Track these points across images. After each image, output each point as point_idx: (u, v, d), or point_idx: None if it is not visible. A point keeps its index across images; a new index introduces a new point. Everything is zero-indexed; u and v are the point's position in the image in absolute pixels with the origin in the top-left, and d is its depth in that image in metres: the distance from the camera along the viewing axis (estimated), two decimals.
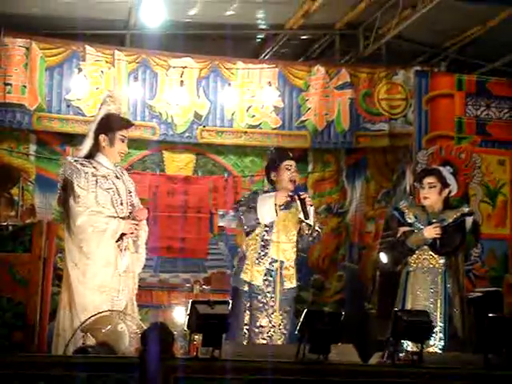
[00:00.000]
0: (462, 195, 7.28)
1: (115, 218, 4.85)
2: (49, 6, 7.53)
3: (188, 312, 3.75)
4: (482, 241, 6.70)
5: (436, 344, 5.46)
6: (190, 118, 7.98)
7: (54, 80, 7.68)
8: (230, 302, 4.07)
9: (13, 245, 5.10)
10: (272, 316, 5.46)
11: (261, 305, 5.46)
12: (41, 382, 3.50)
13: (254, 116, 8.09)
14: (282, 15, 8.01)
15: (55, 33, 7.79)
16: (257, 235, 5.54)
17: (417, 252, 5.64)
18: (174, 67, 7.94)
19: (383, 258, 7.40)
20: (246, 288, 5.49)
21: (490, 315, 4.21)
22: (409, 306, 5.49)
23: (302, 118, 8.17)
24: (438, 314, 5.52)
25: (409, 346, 4.85)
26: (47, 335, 5.03)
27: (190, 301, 3.79)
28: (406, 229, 5.68)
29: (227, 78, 8.06)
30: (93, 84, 7.72)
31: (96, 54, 7.75)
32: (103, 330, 4.36)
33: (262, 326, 5.45)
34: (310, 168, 8.43)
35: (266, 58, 8.72)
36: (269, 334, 5.45)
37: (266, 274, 5.50)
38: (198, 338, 3.84)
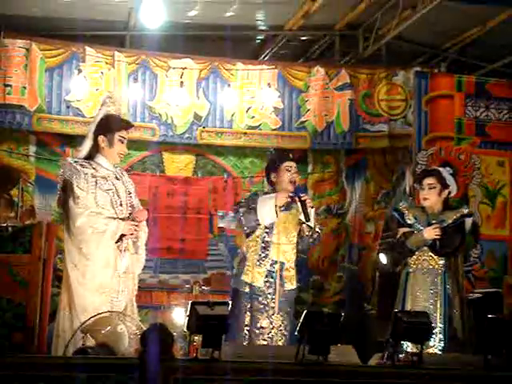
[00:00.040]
0: (462, 196, 7.28)
1: (115, 219, 4.86)
2: (49, 7, 7.54)
3: (188, 313, 3.75)
4: (481, 242, 6.71)
5: (436, 345, 5.46)
6: (190, 119, 7.98)
7: (53, 81, 7.68)
8: (230, 303, 4.07)
9: (12, 246, 5.11)
10: (272, 317, 5.47)
11: (261, 306, 5.47)
12: (40, 382, 3.50)
13: (253, 117, 8.09)
14: (281, 16, 8.01)
15: (55, 34, 7.79)
16: (257, 237, 5.54)
17: (416, 253, 5.64)
18: (173, 68, 7.94)
19: (383, 258, 7.42)
20: (246, 289, 5.50)
21: (490, 316, 4.21)
22: (408, 307, 5.49)
23: (302, 119, 8.17)
24: (438, 314, 5.52)
25: (408, 347, 4.86)
26: (47, 336, 5.03)
27: (190, 302, 3.79)
28: (406, 230, 5.68)
29: (227, 79, 8.06)
30: (93, 85, 7.72)
31: (96, 55, 7.74)
32: (103, 331, 4.36)
33: (262, 327, 5.45)
34: (309, 169, 8.42)
35: (266, 59, 8.72)
36: (269, 335, 5.45)
37: (266, 276, 5.51)
38: (197, 339, 3.84)
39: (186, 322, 3.76)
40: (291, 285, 5.59)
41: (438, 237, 5.55)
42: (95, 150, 4.98)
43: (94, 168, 4.92)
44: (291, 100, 8.16)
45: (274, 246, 5.52)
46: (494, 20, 7.57)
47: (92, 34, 7.93)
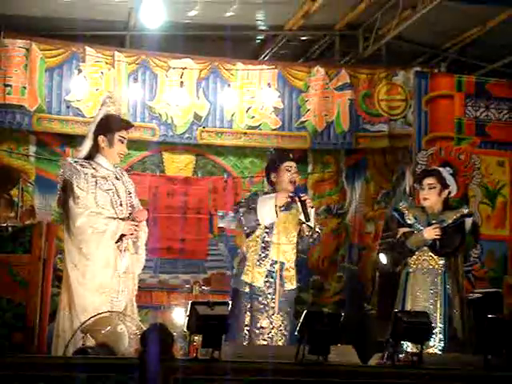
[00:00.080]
0: (462, 196, 7.28)
1: (115, 219, 4.85)
2: (49, 7, 7.54)
3: (188, 313, 3.75)
4: (481, 242, 6.71)
5: (436, 345, 5.46)
6: (190, 119, 7.98)
7: (53, 81, 7.68)
8: (230, 303, 4.07)
9: (12, 246, 5.11)
10: (273, 317, 5.47)
11: (261, 306, 5.47)
12: (41, 383, 3.50)
13: (253, 117, 8.09)
14: (281, 16, 8.01)
15: (55, 34, 7.79)
16: (257, 237, 5.54)
17: (416, 253, 5.64)
18: (173, 68, 7.94)
19: (383, 258, 7.42)
20: (246, 289, 5.49)
21: (490, 316, 4.21)
22: (408, 307, 5.49)
23: (302, 119, 8.17)
24: (438, 314, 5.52)
25: (408, 347, 4.86)
26: (47, 336, 5.03)
27: (190, 302, 3.79)
28: (406, 230, 5.68)
29: (227, 79, 8.06)
30: (93, 85, 7.72)
31: (96, 55, 7.74)
32: (103, 331, 4.36)
33: (262, 328, 5.45)
34: (309, 169, 8.42)
35: (266, 59, 8.72)
36: (269, 335, 5.45)
37: (267, 276, 5.50)
38: (197, 339, 3.84)
39: (186, 322, 3.76)
40: (291, 285, 5.59)
41: (438, 237, 5.55)
42: (95, 150, 4.98)
43: (94, 168, 4.92)
44: (291, 100, 8.16)
45: (274, 246, 5.52)
46: (494, 20, 7.57)
47: (92, 33, 7.93)
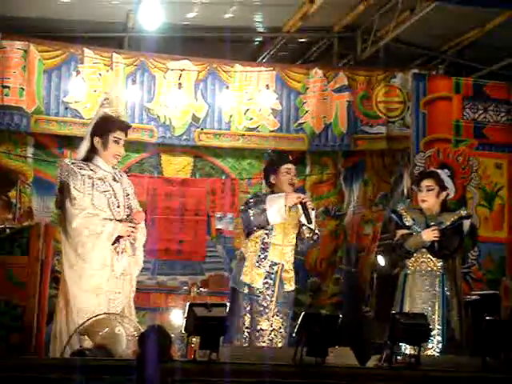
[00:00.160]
0: (460, 198, 7.29)
1: (111, 220, 4.85)
2: (47, 9, 7.54)
3: (185, 315, 3.75)
4: (479, 244, 6.70)
5: (434, 347, 5.46)
6: (188, 121, 7.98)
7: (51, 82, 7.68)
8: (228, 303, 4.07)
9: (10, 247, 5.10)
10: (272, 319, 5.46)
11: (261, 308, 5.46)
12: None
13: (251, 119, 8.09)
14: (279, 18, 8.02)
15: (53, 35, 7.79)
16: (257, 238, 5.54)
17: (415, 255, 5.64)
18: (172, 70, 7.94)
19: (381, 260, 7.42)
20: (245, 290, 5.49)
21: (487, 318, 4.21)
22: (407, 309, 5.49)
23: (300, 121, 8.17)
24: (436, 316, 5.51)
25: (407, 348, 4.86)
26: (45, 338, 5.02)
27: (188, 303, 3.79)
28: (404, 231, 5.68)
29: (225, 80, 8.07)
30: (91, 87, 7.72)
31: (94, 57, 7.74)
32: (100, 333, 4.36)
33: (262, 330, 5.44)
34: (307, 171, 8.43)
35: (264, 60, 8.73)
36: (269, 338, 5.45)
37: (265, 277, 5.50)
38: (195, 340, 3.84)
39: (184, 323, 3.76)
40: (290, 286, 5.59)
41: (436, 239, 5.55)
42: (92, 151, 4.97)
43: (91, 169, 4.91)
44: (289, 102, 8.17)
45: (274, 247, 5.52)
46: (492, 22, 7.58)
47: (90, 35, 7.94)
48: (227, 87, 8.06)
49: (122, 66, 7.81)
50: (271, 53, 8.68)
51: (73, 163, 4.93)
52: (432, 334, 5.27)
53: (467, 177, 7.65)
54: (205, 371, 3.67)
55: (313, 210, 5.52)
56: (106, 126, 4.95)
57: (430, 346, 5.39)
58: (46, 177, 7.69)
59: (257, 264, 5.51)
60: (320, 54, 8.77)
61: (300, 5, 7.59)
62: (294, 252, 5.64)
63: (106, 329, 4.38)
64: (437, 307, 5.54)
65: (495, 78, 8.15)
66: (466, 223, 5.68)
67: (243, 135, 8.08)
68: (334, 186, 8.45)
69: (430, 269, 5.61)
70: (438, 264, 5.61)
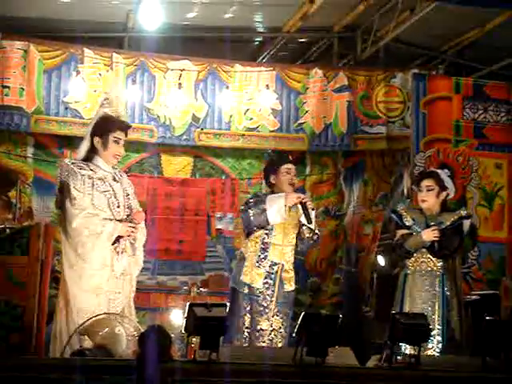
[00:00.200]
0: (460, 198, 7.29)
1: (111, 220, 4.85)
2: (47, 9, 7.54)
3: (185, 315, 3.75)
4: (479, 244, 6.71)
5: (434, 347, 5.46)
6: (188, 121, 7.98)
7: (51, 82, 7.68)
8: (228, 303, 4.07)
9: (10, 247, 5.10)
10: (272, 319, 5.46)
11: (261, 308, 5.46)
12: None
13: (251, 119, 8.09)
14: (279, 18, 8.02)
15: (53, 35, 7.79)
16: (257, 238, 5.53)
17: (415, 255, 5.64)
18: (172, 70, 7.94)
19: (381, 260, 7.42)
20: (245, 290, 5.49)
21: (487, 318, 4.21)
22: (407, 309, 5.49)
23: (300, 121, 8.17)
24: (436, 316, 5.51)
25: (406, 348, 4.86)
26: (45, 338, 5.02)
27: (188, 303, 3.79)
28: (404, 231, 5.68)
29: (225, 80, 8.07)
30: (91, 87, 7.72)
31: (94, 57, 7.74)
32: (100, 333, 4.36)
33: (262, 330, 5.44)
34: (307, 171, 8.43)
35: (264, 60, 8.73)
36: (269, 338, 5.44)
37: (265, 277, 5.50)
38: (195, 340, 3.84)
39: (184, 323, 3.76)
40: (290, 286, 5.59)
41: (436, 239, 5.55)
42: (93, 151, 4.98)
43: (91, 169, 4.91)
44: (289, 102, 8.17)
45: (274, 247, 5.52)
46: (492, 22, 7.58)
47: (90, 35, 7.94)
48: (227, 87, 8.06)
49: (122, 66, 7.81)
50: (271, 53, 8.69)
51: (73, 163, 4.93)
52: (432, 334, 5.27)
53: (467, 177, 7.65)
54: (205, 371, 3.66)
55: (313, 209, 5.51)
56: (105, 126, 4.95)
57: (430, 345, 5.39)
58: (46, 177, 7.69)
59: (257, 264, 5.51)
60: (320, 54, 8.77)
61: (300, 5, 7.59)
62: (294, 252, 5.64)
63: (106, 329, 4.38)
64: (437, 307, 5.54)
65: (495, 78, 8.15)
66: (466, 223, 5.68)
67: (243, 135, 8.08)
68: (334, 185, 8.45)
69: (429, 269, 5.61)
70: (438, 264, 5.60)
